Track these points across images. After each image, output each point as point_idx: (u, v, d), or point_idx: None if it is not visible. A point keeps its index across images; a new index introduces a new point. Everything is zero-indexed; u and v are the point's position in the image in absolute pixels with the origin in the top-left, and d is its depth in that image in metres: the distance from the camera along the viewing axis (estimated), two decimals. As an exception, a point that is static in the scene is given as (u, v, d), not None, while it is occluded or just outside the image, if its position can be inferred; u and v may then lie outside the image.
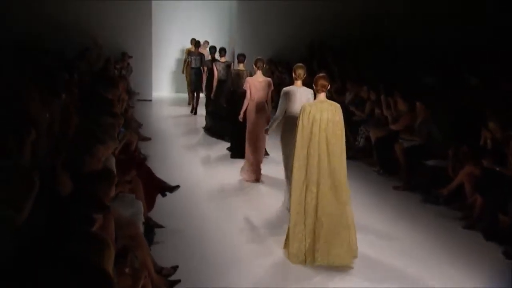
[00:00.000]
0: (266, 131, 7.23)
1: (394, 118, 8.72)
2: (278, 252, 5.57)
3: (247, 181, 8.20)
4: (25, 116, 4.68)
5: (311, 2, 15.59)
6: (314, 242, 5.28)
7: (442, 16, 14.07)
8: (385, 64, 12.09)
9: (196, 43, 14.09)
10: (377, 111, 9.42)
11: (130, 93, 10.22)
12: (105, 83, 8.53)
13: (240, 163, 8.55)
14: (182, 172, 8.40)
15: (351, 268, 5.24)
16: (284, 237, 5.52)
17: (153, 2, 15.40)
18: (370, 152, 9.26)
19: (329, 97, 9.41)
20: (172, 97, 16.83)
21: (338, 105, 5.55)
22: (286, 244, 5.48)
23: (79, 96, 7.87)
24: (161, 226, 5.99)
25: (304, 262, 5.31)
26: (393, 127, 8.60)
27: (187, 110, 14.29)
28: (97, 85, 8.07)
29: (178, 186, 6.49)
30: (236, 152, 9.34)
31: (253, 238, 6.08)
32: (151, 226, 5.77)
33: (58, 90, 6.71)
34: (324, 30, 15.41)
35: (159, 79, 16.45)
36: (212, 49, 11.99)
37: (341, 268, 5.21)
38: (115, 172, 4.94)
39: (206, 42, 14.62)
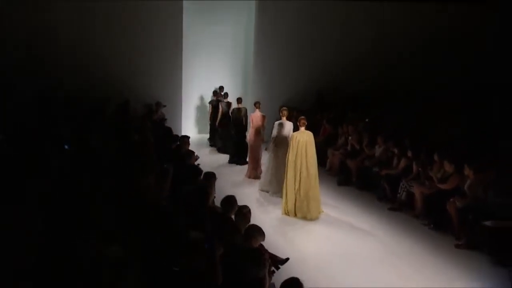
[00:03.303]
0: (266, 148, 11.99)
1: (440, 178, 9.33)
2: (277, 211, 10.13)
3: (249, 177, 12.52)
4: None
5: (324, 50, 16.96)
6: (299, 205, 9.78)
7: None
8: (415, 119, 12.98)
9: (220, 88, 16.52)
10: (415, 167, 10.16)
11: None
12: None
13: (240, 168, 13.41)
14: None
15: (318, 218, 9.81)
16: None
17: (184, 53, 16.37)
18: (412, 204, 9.96)
19: (360, 150, 11.88)
20: (196, 138, 17.39)
21: (311, 133, 9.99)
22: (283, 207, 9.93)
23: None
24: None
25: (294, 215, 9.86)
26: (441, 186, 9.25)
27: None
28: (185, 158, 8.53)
29: (287, 259, 6.44)
30: (240, 160, 13.79)
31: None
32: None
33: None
34: (334, 78, 16.81)
35: (184, 123, 17.04)
36: (216, 92, 16.08)
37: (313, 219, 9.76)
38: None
39: (226, 94, 15.69)
